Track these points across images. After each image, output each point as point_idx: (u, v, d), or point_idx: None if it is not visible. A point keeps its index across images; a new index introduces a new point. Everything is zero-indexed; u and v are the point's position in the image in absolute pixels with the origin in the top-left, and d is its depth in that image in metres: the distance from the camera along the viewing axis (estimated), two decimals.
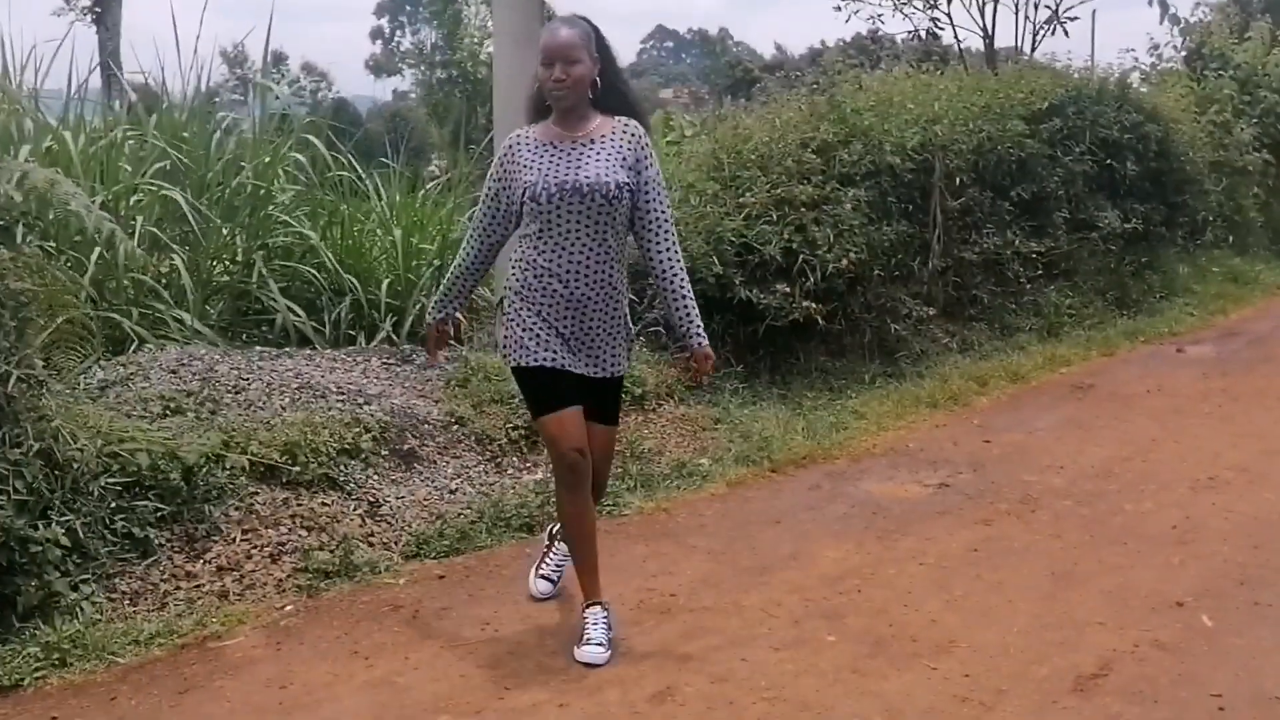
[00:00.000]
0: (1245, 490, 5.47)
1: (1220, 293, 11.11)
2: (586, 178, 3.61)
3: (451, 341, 4.05)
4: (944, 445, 6.28)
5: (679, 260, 3.77)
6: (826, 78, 9.18)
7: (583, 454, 3.67)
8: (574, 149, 3.68)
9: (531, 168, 3.66)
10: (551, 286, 3.66)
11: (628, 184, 3.66)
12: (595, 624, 3.76)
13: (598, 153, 3.66)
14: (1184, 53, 13.05)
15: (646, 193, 3.71)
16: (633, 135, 3.72)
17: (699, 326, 3.77)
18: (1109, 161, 10.17)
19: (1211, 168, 11.95)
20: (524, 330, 3.69)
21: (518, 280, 3.72)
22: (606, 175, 3.62)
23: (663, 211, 3.74)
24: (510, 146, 3.78)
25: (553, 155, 3.67)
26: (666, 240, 3.74)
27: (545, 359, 3.67)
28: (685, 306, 3.75)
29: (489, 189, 3.82)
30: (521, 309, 3.71)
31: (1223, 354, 8.79)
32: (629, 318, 3.87)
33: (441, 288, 3.99)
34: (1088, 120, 10.09)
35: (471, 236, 3.89)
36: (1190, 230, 11.58)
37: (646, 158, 3.73)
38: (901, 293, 8.08)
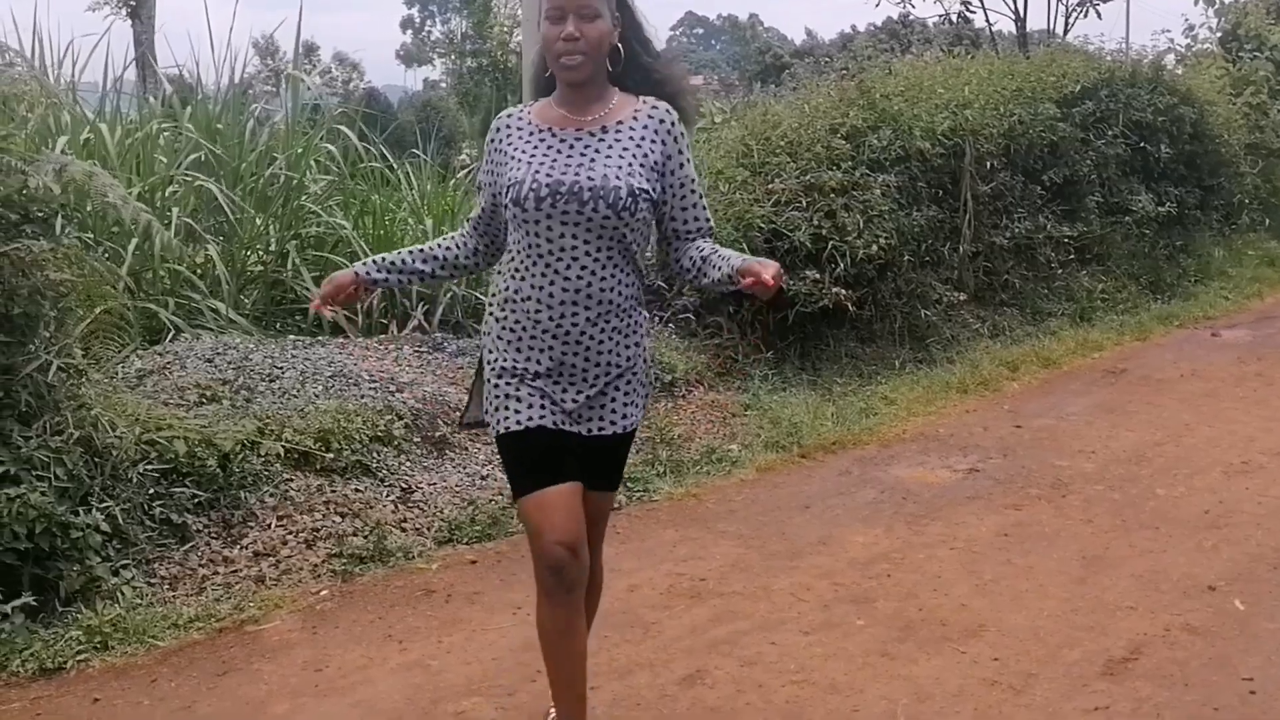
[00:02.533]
0: (1278, 475, 5.42)
1: (1256, 276, 11.00)
2: (589, 179, 2.65)
3: (342, 312, 3.15)
4: (974, 430, 6.26)
5: (712, 244, 2.82)
6: (856, 63, 9.16)
7: (574, 551, 2.71)
8: (579, 138, 2.72)
9: (519, 160, 2.73)
10: (538, 320, 2.71)
11: (646, 191, 2.69)
12: None
13: (610, 145, 2.70)
14: (1219, 34, 12.89)
15: (682, 198, 2.79)
16: (661, 123, 2.75)
17: (739, 255, 2.68)
18: (1142, 144, 10.09)
19: (1247, 150, 11.82)
20: (502, 382, 2.77)
21: (496, 318, 2.81)
22: (617, 178, 2.66)
23: (703, 221, 2.83)
24: (498, 130, 2.84)
25: (549, 145, 2.73)
26: (703, 239, 2.84)
27: (525, 420, 2.73)
28: (722, 254, 2.71)
29: (480, 185, 2.93)
30: (500, 354, 2.78)
31: (1258, 338, 8.70)
32: (647, 361, 2.91)
33: (397, 253, 2.99)
34: (1121, 103, 10.01)
35: (461, 228, 3.03)
36: (1225, 213, 11.46)
37: (679, 153, 2.77)
38: (932, 278, 8.05)
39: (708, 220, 2.86)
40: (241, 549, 4.35)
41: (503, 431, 2.77)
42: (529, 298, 2.71)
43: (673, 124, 2.77)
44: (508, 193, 2.72)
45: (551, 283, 2.69)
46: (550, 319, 2.70)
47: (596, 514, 2.89)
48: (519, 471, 2.78)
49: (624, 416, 2.81)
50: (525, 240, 2.71)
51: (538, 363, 2.74)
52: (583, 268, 2.68)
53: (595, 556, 2.94)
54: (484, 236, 2.94)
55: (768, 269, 2.53)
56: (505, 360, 2.76)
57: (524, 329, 2.74)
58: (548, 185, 2.66)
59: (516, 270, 2.75)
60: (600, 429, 2.79)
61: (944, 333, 7.89)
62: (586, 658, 2.88)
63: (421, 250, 2.96)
